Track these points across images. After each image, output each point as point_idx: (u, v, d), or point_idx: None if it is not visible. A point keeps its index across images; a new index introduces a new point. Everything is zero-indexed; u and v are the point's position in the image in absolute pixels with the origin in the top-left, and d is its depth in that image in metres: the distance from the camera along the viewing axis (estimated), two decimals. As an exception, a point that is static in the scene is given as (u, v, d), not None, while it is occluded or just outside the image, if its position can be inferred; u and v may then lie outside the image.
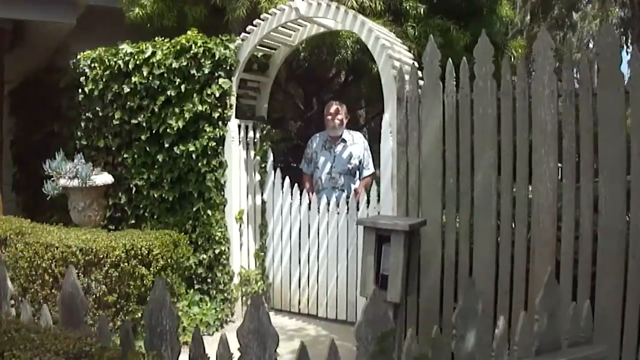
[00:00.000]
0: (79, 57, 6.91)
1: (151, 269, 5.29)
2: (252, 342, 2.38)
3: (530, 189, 4.50)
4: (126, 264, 5.14)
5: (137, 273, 5.17)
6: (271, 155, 6.68)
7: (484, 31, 4.70)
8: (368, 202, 5.79)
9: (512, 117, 4.53)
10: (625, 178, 4.18)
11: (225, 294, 6.25)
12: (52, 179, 6.11)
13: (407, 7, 7.24)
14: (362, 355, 2.37)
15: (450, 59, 4.85)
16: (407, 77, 5.08)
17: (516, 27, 18.11)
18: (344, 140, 6.66)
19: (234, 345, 2.41)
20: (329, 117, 6.63)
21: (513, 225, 4.57)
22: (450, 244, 4.82)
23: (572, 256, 4.34)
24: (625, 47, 20.60)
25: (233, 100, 6.21)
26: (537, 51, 4.46)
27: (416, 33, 7.07)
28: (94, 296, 5.15)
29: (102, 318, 2.98)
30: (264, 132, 6.69)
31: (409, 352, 2.39)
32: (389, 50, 5.25)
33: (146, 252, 5.25)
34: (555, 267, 4.39)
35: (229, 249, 6.26)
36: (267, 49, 6.67)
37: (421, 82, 5.03)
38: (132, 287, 5.17)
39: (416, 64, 5.29)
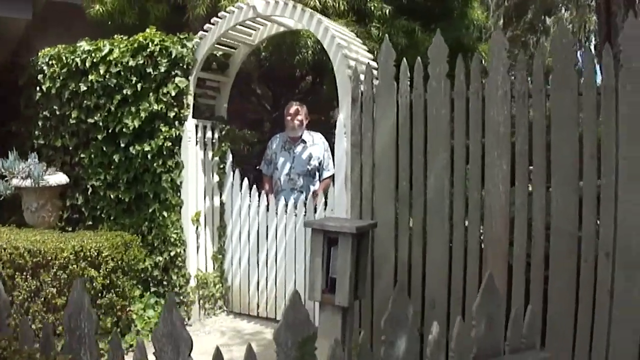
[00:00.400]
0: (38, 54, 6.76)
1: (101, 271, 5.16)
2: (166, 347, 2.29)
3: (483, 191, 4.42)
4: (75, 265, 5.02)
5: (86, 275, 5.03)
6: (230, 156, 6.56)
7: (439, 31, 4.60)
8: (326, 204, 5.68)
9: (465, 118, 4.44)
10: (577, 180, 4.11)
11: (182, 297, 6.12)
12: (5, 178, 5.97)
13: (372, 8, 7.17)
14: (282, 361, 2.28)
15: (404, 59, 4.75)
16: (362, 77, 4.98)
17: (489, 31, 18.12)
18: (303, 141, 6.54)
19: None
20: (289, 118, 6.51)
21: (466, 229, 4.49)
22: (403, 247, 4.72)
23: (524, 259, 4.26)
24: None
25: (190, 99, 6.09)
26: (491, 52, 4.39)
27: (380, 34, 6.97)
28: (43, 299, 5.03)
29: (23, 320, 2.87)
30: (223, 132, 6.57)
31: (334, 357, 2.28)
32: (345, 49, 5.15)
33: (95, 253, 5.12)
34: (508, 270, 4.32)
35: (184, 251, 6.13)
36: (226, 48, 6.57)
37: (377, 82, 4.92)
38: (81, 289, 5.03)
39: (373, 64, 5.19)
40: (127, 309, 5.50)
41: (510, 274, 4.29)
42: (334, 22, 6.12)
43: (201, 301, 6.33)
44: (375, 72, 5.04)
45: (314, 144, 6.55)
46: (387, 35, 5.16)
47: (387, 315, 2.53)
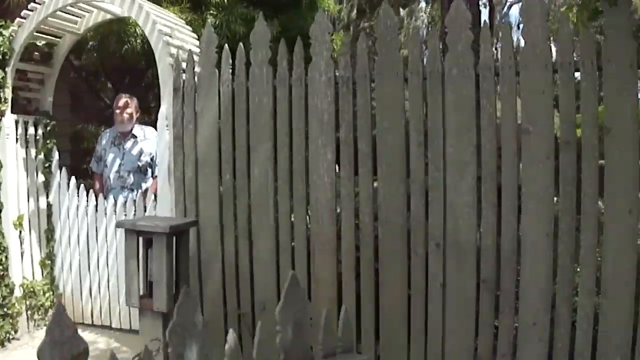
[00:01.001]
0: None
1: None
2: None
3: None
4: None
5: None
6: (56, 153, 5.96)
7: (262, 15, 4.28)
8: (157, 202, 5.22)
9: (288, 106, 4.12)
10: (405, 170, 3.87)
11: (5, 309, 5.51)
12: None
13: (209, -6, 6.77)
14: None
15: (226, 45, 4.38)
16: (185, 65, 4.57)
17: (342, 22, 18.03)
18: (134, 136, 6.01)
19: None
20: (117, 111, 5.96)
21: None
22: (230, 246, 4.35)
23: (354, 254, 3.99)
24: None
25: (8, 93, 5.45)
26: (314, 36, 4.08)
27: (217, 22, 6.56)
28: None
29: None
30: (48, 128, 5.97)
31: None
32: (166, 36, 4.71)
33: None
34: (337, 266, 4.04)
35: (6, 258, 5.49)
36: (50, 37, 5.95)
37: (199, 70, 4.52)
38: None
39: (197, 51, 4.78)
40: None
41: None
42: (167, 9, 5.68)
43: (29, 312, 5.74)
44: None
45: (145, 138, 6.03)
46: (208, 20, 4.82)
47: (171, 325, 2.15)
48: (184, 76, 4.52)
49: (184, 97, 4.50)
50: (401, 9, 20.67)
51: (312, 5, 8.20)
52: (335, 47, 8.18)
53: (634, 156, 3.50)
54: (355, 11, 18.79)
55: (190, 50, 4.67)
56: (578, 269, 3.63)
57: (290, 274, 2.36)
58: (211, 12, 6.71)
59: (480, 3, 6.96)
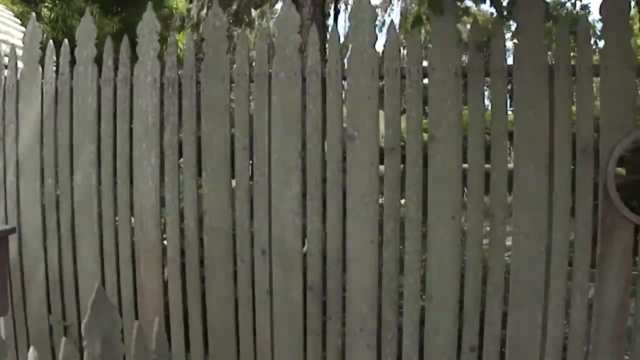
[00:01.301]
0: None
1: None
2: None
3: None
4: None
5: None
6: None
7: (88, 10, 4.03)
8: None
9: (113, 107, 3.91)
10: (230, 174, 3.75)
11: None
12: None
13: (45, -12, 6.39)
14: None
15: (51, 41, 4.12)
16: (7, 60, 4.26)
17: (192, 20, 17.73)
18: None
19: None
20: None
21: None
22: (54, 255, 4.07)
23: (179, 262, 3.83)
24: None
25: None
26: (141, 35, 3.88)
27: (53, 15, 6.21)
28: None
29: None
30: None
31: None
32: (-12, 30, 4.41)
33: None
34: (164, 274, 3.87)
35: None
36: None
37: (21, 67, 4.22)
38: None
39: (20, 45, 4.47)
40: None
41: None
42: None
43: None
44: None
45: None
46: (33, 14, 4.47)
47: None
48: (5, 72, 4.21)
49: (5, 94, 4.19)
50: (253, 10, 20.49)
51: (158, 2, 7.92)
52: (182, 47, 7.93)
53: (457, 163, 3.50)
54: (205, 9, 18.38)
55: (13, 44, 4.37)
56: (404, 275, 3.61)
57: (96, 286, 2.20)
58: (46, 4, 6.34)
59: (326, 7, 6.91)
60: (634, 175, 5.06)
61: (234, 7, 19.36)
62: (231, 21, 18.99)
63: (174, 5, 7.89)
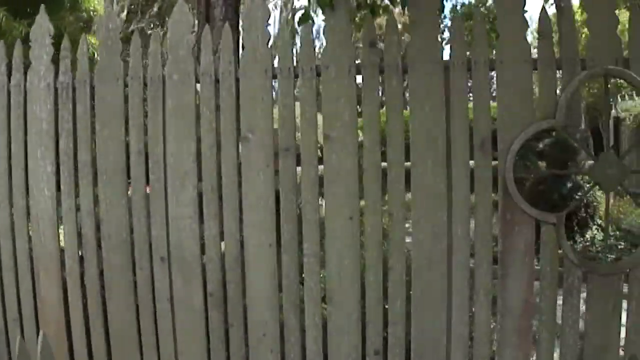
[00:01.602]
0: None
1: None
2: None
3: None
4: None
5: None
6: None
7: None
8: None
9: (7, 114, 3.78)
10: (126, 181, 3.64)
11: None
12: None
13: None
14: None
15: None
16: None
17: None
18: None
19: None
20: None
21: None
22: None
23: (78, 272, 3.71)
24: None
25: None
26: (34, 38, 3.76)
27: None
28: None
29: None
30: None
31: None
32: None
33: None
34: (64, 286, 3.75)
35: None
36: None
37: None
38: None
39: None
40: None
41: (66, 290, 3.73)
42: None
43: None
44: None
45: None
46: None
47: None
48: None
49: None
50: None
51: (75, 5, 7.74)
52: (92, 49, 7.78)
53: (353, 163, 3.43)
54: (125, 12, 18.12)
55: None
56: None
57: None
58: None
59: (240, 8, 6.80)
60: (553, 170, 5.00)
61: (155, 8, 19.10)
62: (155, 24, 18.64)
63: (92, 8, 7.68)
